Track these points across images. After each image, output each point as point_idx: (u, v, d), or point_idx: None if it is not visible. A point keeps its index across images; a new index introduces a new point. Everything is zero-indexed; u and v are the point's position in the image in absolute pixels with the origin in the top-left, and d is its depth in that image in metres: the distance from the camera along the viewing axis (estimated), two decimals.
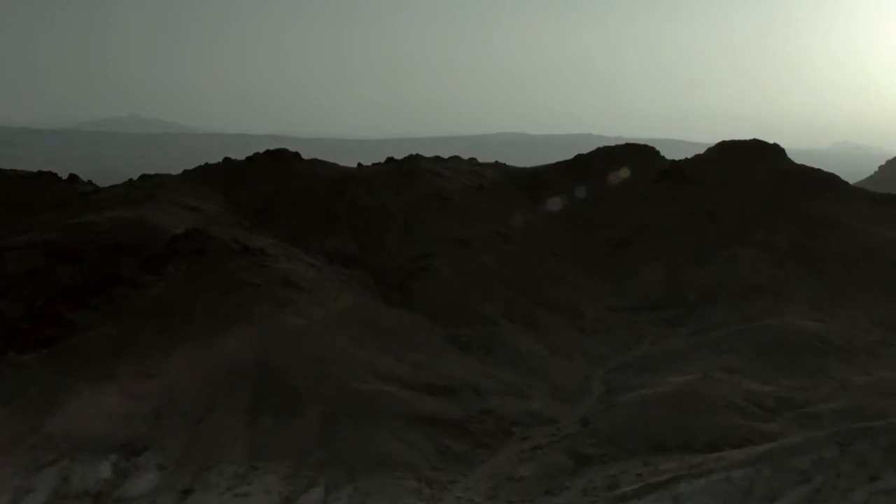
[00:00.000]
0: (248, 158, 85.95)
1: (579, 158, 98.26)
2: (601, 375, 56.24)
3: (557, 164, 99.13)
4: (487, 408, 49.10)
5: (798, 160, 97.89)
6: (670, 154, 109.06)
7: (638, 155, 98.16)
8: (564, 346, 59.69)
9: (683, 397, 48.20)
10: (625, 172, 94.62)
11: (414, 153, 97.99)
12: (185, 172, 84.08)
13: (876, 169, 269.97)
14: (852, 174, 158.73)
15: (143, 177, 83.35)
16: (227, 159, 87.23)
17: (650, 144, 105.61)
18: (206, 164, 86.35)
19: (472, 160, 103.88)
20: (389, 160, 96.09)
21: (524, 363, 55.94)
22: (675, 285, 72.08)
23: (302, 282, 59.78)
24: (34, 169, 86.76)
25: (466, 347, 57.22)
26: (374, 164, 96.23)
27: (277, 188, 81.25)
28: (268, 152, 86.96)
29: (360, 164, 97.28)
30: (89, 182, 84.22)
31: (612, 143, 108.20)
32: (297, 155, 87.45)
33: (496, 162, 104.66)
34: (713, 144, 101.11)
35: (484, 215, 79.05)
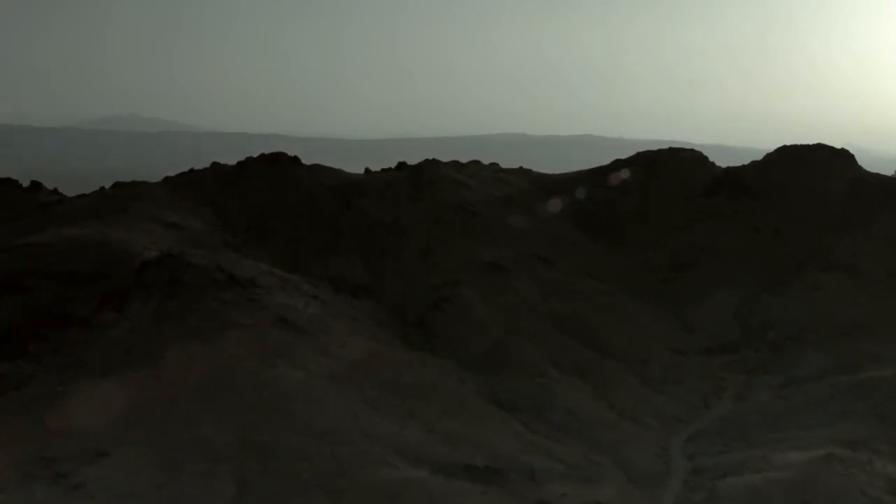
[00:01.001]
0: (240, 164, 73.96)
1: (618, 165, 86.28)
2: (682, 446, 44.34)
3: (592, 170, 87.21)
4: (545, 499, 37.28)
5: None
6: None
7: (683, 160, 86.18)
8: (630, 403, 47.78)
9: (806, 488, 36.44)
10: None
11: (428, 158, 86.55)
12: (167, 179, 72.12)
13: (892, 173, 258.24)
14: None
15: (117, 185, 71.55)
16: (215, 164, 75.28)
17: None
18: (192, 169, 74.38)
19: (494, 165, 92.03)
20: (402, 165, 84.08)
21: (584, 430, 44.11)
22: (750, 320, 60.19)
23: (301, 320, 47.92)
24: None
25: (510, 407, 45.38)
26: (384, 170, 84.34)
27: (273, 198, 69.31)
28: (263, 156, 74.97)
29: (367, 170, 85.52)
30: (54, 190, 72.46)
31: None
32: (296, 160, 75.38)
33: (520, 168, 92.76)
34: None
35: (517, 233, 67.17)
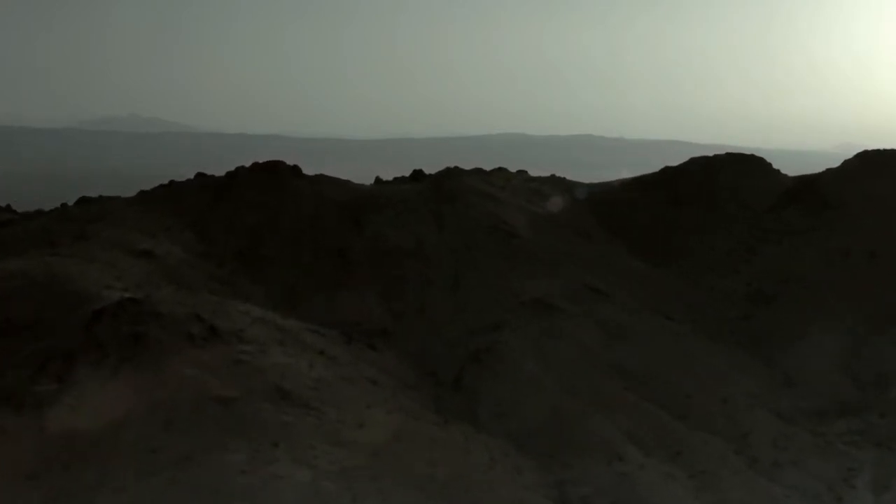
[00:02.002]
0: (230, 174, 62.30)
1: (668, 172, 74.69)
2: None
3: (637, 179, 75.70)
4: None
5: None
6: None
7: (744, 166, 74.51)
8: (740, 499, 36.15)
9: None
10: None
11: (434, 159, 75.22)
12: (142, 194, 60.49)
13: None
14: None
15: (82, 200, 60.05)
16: (200, 175, 63.64)
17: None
18: (172, 181, 62.81)
19: (522, 173, 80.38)
20: (418, 174, 72.64)
21: None
22: (865, 371, 48.52)
23: (304, 389, 36.43)
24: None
25: None
26: (397, 180, 73.00)
27: (269, 217, 57.78)
28: (256, 165, 63.25)
29: (378, 179, 74.16)
30: (7, 207, 60.92)
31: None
32: (296, 169, 63.68)
33: (553, 176, 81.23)
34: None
35: (563, 258, 55.61)
